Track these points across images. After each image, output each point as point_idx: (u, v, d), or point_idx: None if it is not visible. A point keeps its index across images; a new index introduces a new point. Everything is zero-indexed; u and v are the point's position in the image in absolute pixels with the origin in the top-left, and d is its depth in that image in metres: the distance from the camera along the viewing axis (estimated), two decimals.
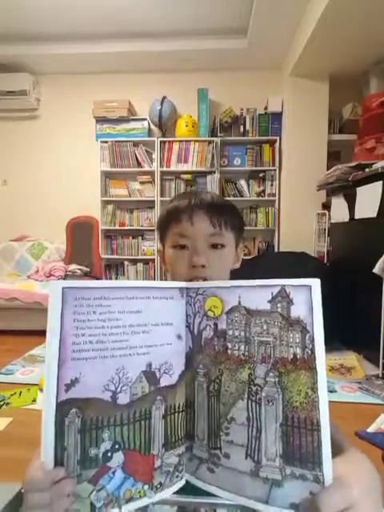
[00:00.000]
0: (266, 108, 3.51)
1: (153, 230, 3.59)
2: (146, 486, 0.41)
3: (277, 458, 0.38)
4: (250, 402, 0.41)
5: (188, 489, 0.44)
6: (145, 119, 3.56)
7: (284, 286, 0.41)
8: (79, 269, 3.30)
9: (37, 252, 3.53)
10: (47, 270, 3.23)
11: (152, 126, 3.63)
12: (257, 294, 0.42)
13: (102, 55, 3.37)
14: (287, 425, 0.39)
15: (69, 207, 3.70)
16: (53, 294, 0.40)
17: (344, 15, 2.37)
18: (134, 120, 3.57)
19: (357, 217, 2.50)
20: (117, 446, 0.40)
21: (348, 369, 2.28)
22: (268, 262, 2.86)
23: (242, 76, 3.60)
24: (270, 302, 0.41)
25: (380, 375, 2.17)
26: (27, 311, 2.90)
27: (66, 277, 3.18)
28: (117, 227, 3.62)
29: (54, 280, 3.12)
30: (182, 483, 0.44)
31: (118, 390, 0.41)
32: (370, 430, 1.60)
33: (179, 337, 0.46)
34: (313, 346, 0.39)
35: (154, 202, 3.56)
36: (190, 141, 3.48)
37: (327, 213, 3.08)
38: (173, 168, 3.51)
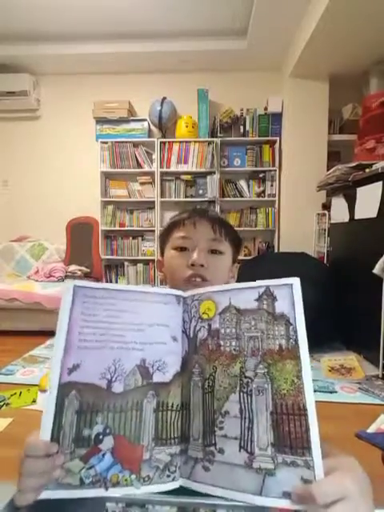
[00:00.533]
0: (265, 108, 3.51)
1: (153, 231, 3.59)
2: (133, 476, 0.43)
3: (269, 447, 0.41)
4: (242, 394, 0.44)
5: (188, 491, 0.44)
6: (145, 120, 3.56)
7: (269, 286, 0.46)
8: (79, 269, 3.30)
9: (37, 252, 3.54)
10: (47, 271, 3.23)
11: (152, 127, 3.64)
12: (245, 294, 0.47)
13: (102, 56, 3.37)
14: (277, 413, 0.41)
15: (69, 208, 3.70)
16: (65, 290, 0.47)
17: (344, 16, 2.38)
18: (134, 121, 3.58)
19: (357, 217, 2.50)
20: (108, 431, 0.43)
21: (348, 369, 2.28)
22: (268, 263, 2.86)
23: (241, 76, 3.61)
24: (256, 300, 0.46)
25: (380, 376, 2.17)
26: (27, 312, 2.90)
27: (65, 278, 3.18)
28: (117, 228, 3.62)
29: (53, 281, 3.13)
30: (174, 485, 0.44)
31: (114, 379, 0.45)
32: (370, 430, 1.60)
33: (174, 339, 0.49)
34: (296, 336, 0.43)
35: (154, 202, 3.56)
36: (190, 141, 3.48)
37: (327, 213, 3.08)
38: (173, 169, 3.51)
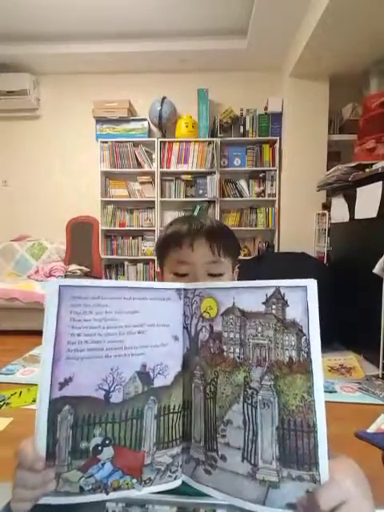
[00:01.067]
0: (266, 108, 3.51)
1: (153, 231, 3.59)
2: (135, 480, 0.42)
3: (273, 461, 0.38)
4: (245, 405, 0.41)
5: (188, 490, 0.44)
6: (145, 119, 3.56)
7: (278, 287, 0.40)
8: (79, 269, 3.30)
9: (37, 252, 3.54)
10: (47, 270, 3.23)
11: (152, 127, 3.64)
12: (251, 295, 0.42)
13: (102, 55, 3.37)
14: (283, 428, 0.38)
15: (69, 207, 3.70)
16: (50, 292, 0.41)
17: (344, 16, 2.38)
18: (134, 120, 3.57)
19: (357, 217, 2.50)
20: (107, 442, 0.41)
21: (348, 369, 2.28)
22: (268, 263, 2.86)
23: (241, 76, 3.61)
24: (264, 303, 0.41)
25: (380, 375, 2.17)
26: (27, 311, 2.90)
27: (65, 277, 3.18)
28: (117, 227, 3.62)
29: (53, 280, 3.13)
30: (176, 484, 0.44)
31: (112, 389, 0.42)
32: (370, 430, 1.60)
33: (176, 338, 0.46)
34: (309, 349, 0.38)
35: (153, 202, 3.56)
36: (190, 141, 3.48)
37: (327, 213, 3.08)
38: (173, 168, 3.51)
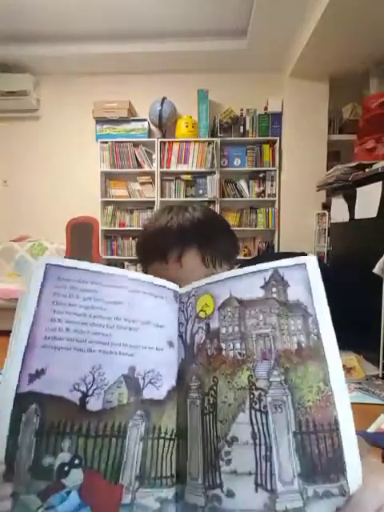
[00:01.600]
0: (265, 108, 3.51)
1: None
2: None
3: (295, 479, 0.31)
4: (253, 412, 0.33)
5: None
6: (145, 120, 3.56)
7: (277, 268, 0.37)
8: None
9: (37, 252, 3.53)
10: None
11: (152, 127, 3.64)
12: (248, 281, 0.38)
13: (102, 56, 3.37)
14: (301, 432, 0.32)
15: (69, 208, 3.70)
16: (35, 268, 0.36)
17: (344, 16, 2.38)
18: (134, 120, 3.58)
19: (357, 217, 2.50)
20: (77, 461, 0.32)
21: (348, 369, 2.28)
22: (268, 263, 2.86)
23: (241, 77, 3.60)
24: (263, 287, 0.37)
25: (380, 375, 2.17)
26: None
27: None
28: (117, 228, 3.62)
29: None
30: None
31: (90, 391, 0.34)
32: (370, 430, 1.60)
33: (171, 344, 0.40)
34: (318, 329, 0.34)
35: (154, 202, 3.56)
36: (190, 141, 3.48)
37: (327, 213, 3.08)
38: (173, 168, 3.51)
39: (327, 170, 3.06)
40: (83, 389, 0.34)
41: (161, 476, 0.34)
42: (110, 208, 3.62)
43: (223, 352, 0.37)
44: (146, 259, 0.60)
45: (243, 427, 0.33)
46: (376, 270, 2.10)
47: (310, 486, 0.30)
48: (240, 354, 0.36)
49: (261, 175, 3.53)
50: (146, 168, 3.53)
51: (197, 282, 0.43)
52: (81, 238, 3.61)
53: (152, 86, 3.62)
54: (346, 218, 2.66)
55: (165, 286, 0.42)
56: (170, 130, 3.56)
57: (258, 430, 0.33)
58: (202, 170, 3.48)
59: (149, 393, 0.36)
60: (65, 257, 3.54)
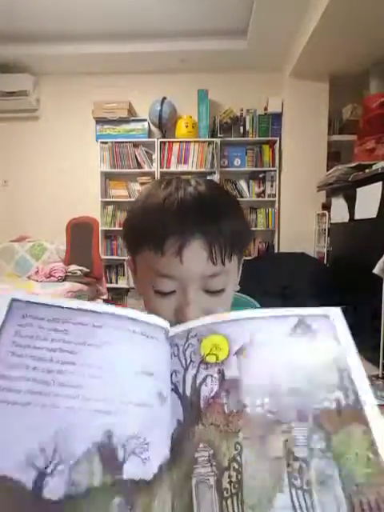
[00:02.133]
0: (265, 109, 3.51)
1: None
2: None
3: None
4: (294, 491, 0.25)
5: None
6: (145, 120, 3.56)
7: (302, 316, 0.32)
8: (79, 269, 3.30)
9: (37, 253, 3.53)
10: (47, 271, 3.22)
11: (152, 127, 3.63)
12: (271, 326, 0.32)
13: (102, 56, 3.37)
14: None
15: (69, 208, 3.70)
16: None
17: (344, 16, 2.37)
18: (134, 121, 3.57)
19: (357, 217, 2.50)
20: None
21: None
22: (268, 263, 2.86)
23: (241, 77, 3.60)
24: (289, 335, 0.32)
25: (380, 375, 2.17)
26: None
27: (66, 277, 3.18)
28: (117, 228, 3.62)
29: (54, 281, 3.13)
30: None
31: (49, 468, 0.24)
32: None
33: (162, 397, 0.30)
34: (354, 386, 0.29)
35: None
36: (190, 141, 3.48)
37: (327, 213, 3.08)
38: (173, 169, 3.51)
39: (327, 170, 3.06)
40: (40, 464, 0.24)
41: None
42: (110, 208, 3.62)
43: (248, 409, 0.28)
44: (136, 244, 0.48)
45: None
46: (376, 271, 2.10)
47: None
48: (271, 411, 0.28)
49: (261, 175, 3.53)
50: (146, 168, 3.53)
51: (197, 321, 0.34)
52: (81, 238, 3.61)
53: (152, 86, 3.61)
54: (345, 218, 2.66)
55: (154, 324, 0.34)
56: (170, 130, 3.56)
57: None
58: (202, 170, 3.48)
59: (131, 469, 0.26)
60: (65, 257, 3.54)
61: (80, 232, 3.62)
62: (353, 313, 2.56)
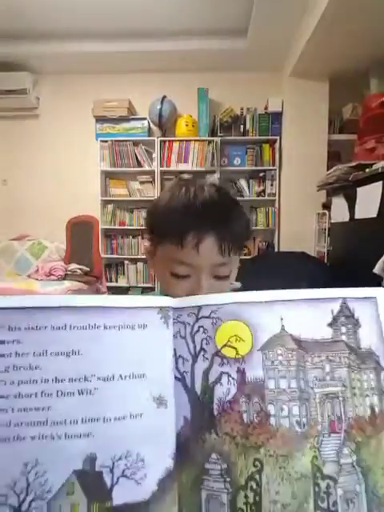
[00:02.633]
0: (266, 108, 3.51)
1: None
2: None
3: None
4: None
5: None
6: (145, 118, 3.56)
7: (345, 298, 0.28)
8: (79, 268, 3.29)
9: (37, 251, 3.53)
10: (47, 270, 3.22)
11: (152, 126, 3.63)
12: (310, 312, 0.26)
13: (102, 54, 3.36)
14: None
15: (68, 206, 3.69)
16: None
17: (344, 15, 2.37)
18: (133, 119, 3.57)
19: (357, 217, 2.51)
20: None
21: None
22: (268, 263, 2.86)
23: (242, 76, 3.60)
24: (330, 325, 0.27)
25: None
26: None
27: (66, 276, 3.18)
28: (117, 227, 3.62)
29: (54, 279, 3.13)
30: None
31: (24, 506, 0.21)
32: None
33: (160, 401, 0.25)
34: None
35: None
36: (190, 140, 3.48)
37: (327, 213, 3.09)
38: (173, 167, 3.51)
39: (327, 169, 3.06)
40: (13, 502, 0.20)
41: None
42: (109, 207, 3.61)
43: (271, 419, 0.24)
44: (160, 238, 0.58)
45: None
46: (376, 270, 2.10)
47: None
48: (299, 423, 0.24)
49: (261, 175, 3.53)
50: (146, 167, 3.53)
51: (214, 295, 0.28)
52: (81, 237, 3.60)
53: (152, 85, 3.61)
54: (346, 217, 2.67)
55: (142, 306, 0.27)
56: (170, 128, 3.56)
57: None
58: (202, 169, 3.48)
59: (123, 493, 0.22)
60: (65, 255, 3.54)
61: (80, 231, 3.62)
62: None
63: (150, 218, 0.63)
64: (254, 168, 3.51)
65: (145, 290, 3.60)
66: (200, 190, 0.57)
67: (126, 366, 0.25)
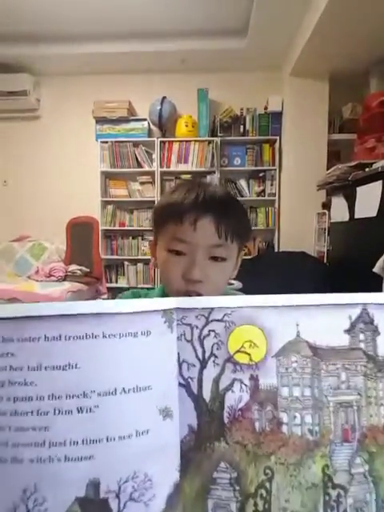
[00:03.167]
0: (265, 108, 3.50)
1: (153, 231, 3.59)
2: None
3: None
4: None
5: None
6: (145, 119, 3.56)
7: (366, 304, 0.26)
8: (79, 269, 3.30)
9: (37, 252, 3.53)
10: (47, 271, 3.23)
11: (152, 126, 3.63)
12: (327, 318, 0.25)
13: (102, 56, 3.36)
14: None
15: (69, 207, 3.69)
16: None
17: (344, 15, 2.37)
18: (133, 120, 3.58)
19: (357, 216, 2.50)
20: None
21: None
22: (268, 262, 2.86)
23: (241, 76, 3.60)
24: (348, 331, 0.25)
25: None
26: None
27: (66, 277, 3.18)
28: (117, 227, 3.62)
29: (54, 280, 3.13)
30: None
31: None
32: None
33: (166, 413, 0.23)
34: None
35: (154, 202, 3.55)
36: (190, 141, 3.48)
37: (327, 212, 3.08)
38: (173, 168, 3.51)
39: (327, 169, 3.05)
40: None
41: None
42: (110, 208, 3.62)
43: (283, 427, 0.24)
44: (160, 221, 0.62)
45: None
46: (376, 270, 2.09)
47: None
48: (312, 432, 0.24)
49: (261, 174, 3.53)
50: (146, 168, 3.53)
51: (228, 298, 0.26)
52: (81, 238, 3.61)
53: (152, 86, 3.61)
54: (345, 217, 2.66)
55: (144, 310, 0.25)
56: (170, 129, 3.56)
57: None
58: (202, 169, 3.48)
59: None
60: (65, 256, 3.54)
61: (80, 232, 3.62)
62: None
63: (153, 212, 0.67)
64: (253, 168, 3.50)
65: None
66: (205, 185, 0.62)
67: (129, 378, 0.23)
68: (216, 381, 0.24)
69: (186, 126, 3.46)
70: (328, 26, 2.49)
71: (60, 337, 0.22)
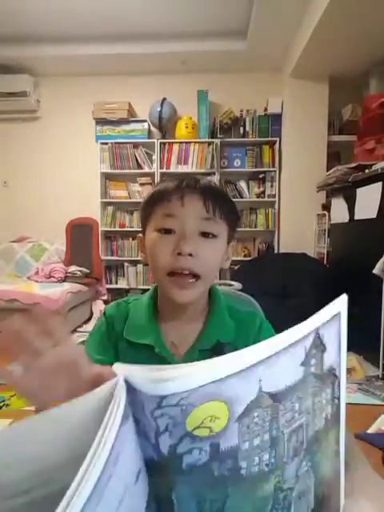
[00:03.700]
0: (265, 109, 3.51)
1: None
2: None
3: None
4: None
5: None
6: (145, 121, 3.56)
7: (318, 329, 0.25)
8: (79, 270, 3.30)
9: (37, 253, 3.53)
10: (47, 272, 3.23)
11: (152, 128, 3.64)
12: (287, 360, 0.24)
13: (102, 57, 3.37)
14: (320, 504, 0.27)
15: (69, 208, 3.70)
16: None
17: (344, 16, 2.38)
18: (133, 121, 3.58)
19: (357, 218, 2.50)
20: None
21: (348, 370, 2.27)
22: (268, 264, 2.86)
23: (241, 77, 3.60)
24: (303, 363, 0.25)
25: (380, 376, 2.17)
26: (27, 312, 2.89)
27: (65, 278, 3.18)
28: (117, 228, 3.62)
29: (53, 281, 3.12)
30: None
31: None
32: (371, 431, 1.59)
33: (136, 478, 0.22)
34: (339, 391, 0.27)
35: None
36: (190, 142, 3.48)
37: (327, 214, 3.08)
38: (173, 169, 3.51)
39: (327, 170, 3.06)
40: None
41: None
42: (109, 209, 3.62)
43: (242, 471, 0.23)
44: (148, 208, 0.61)
45: None
46: (376, 271, 2.10)
47: None
48: (267, 464, 0.24)
49: (261, 176, 3.53)
50: (146, 169, 3.53)
51: (184, 376, 0.21)
52: (81, 239, 3.61)
53: (152, 87, 3.62)
54: (345, 218, 2.66)
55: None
56: (170, 130, 3.56)
57: None
58: (202, 170, 3.47)
59: None
60: (65, 257, 3.54)
61: (80, 233, 3.62)
62: (352, 313, 2.56)
63: (141, 206, 0.65)
64: (253, 169, 3.51)
65: (145, 292, 3.59)
66: (186, 175, 0.64)
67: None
68: (173, 447, 0.22)
69: (186, 127, 3.47)
70: (328, 27, 2.50)
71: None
